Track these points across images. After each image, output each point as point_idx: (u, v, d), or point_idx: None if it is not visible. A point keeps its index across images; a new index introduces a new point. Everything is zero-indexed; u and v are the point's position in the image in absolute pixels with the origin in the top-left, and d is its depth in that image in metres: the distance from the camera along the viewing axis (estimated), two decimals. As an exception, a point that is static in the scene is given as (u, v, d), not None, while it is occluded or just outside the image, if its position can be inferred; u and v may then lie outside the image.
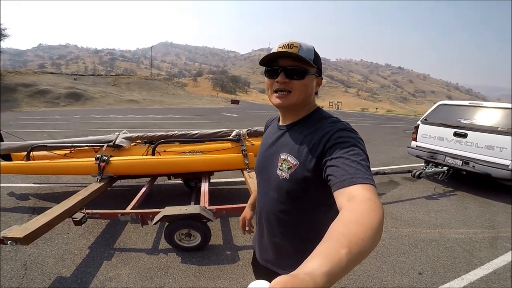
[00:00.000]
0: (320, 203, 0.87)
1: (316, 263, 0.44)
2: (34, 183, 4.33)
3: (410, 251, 2.84)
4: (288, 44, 0.82)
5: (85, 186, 4.25)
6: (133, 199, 2.95)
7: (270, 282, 0.39)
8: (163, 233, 2.68)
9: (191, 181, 4.03)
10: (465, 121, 4.74)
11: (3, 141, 3.93)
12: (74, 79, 36.01)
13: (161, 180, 4.23)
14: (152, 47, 77.92)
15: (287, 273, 0.40)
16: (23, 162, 3.41)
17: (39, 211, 3.33)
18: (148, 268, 2.34)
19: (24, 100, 24.83)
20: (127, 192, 4.01)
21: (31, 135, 5.00)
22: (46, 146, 3.54)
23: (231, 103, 45.33)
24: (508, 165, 4.03)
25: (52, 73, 41.71)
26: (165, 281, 2.19)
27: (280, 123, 0.98)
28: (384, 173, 4.66)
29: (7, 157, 3.74)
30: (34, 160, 3.48)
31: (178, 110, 24.71)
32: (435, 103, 5.70)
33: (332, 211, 0.85)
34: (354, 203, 0.60)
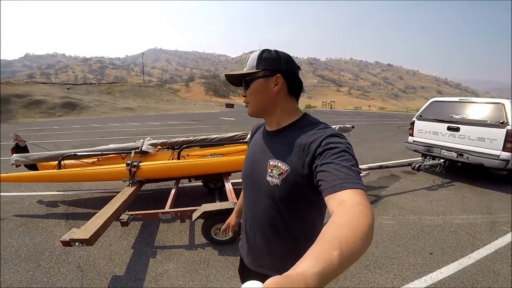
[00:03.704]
0: (312, 207, 0.89)
1: (308, 264, 0.45)
2: (57, 191, 4.54)
3: (419, 235, 3.17)
4: (243, 64, 0.95)
5: (108, 191, 4.53)
6: (166, 200, 3.21)
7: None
8: (200, 229, 2.95)
9: (210, 182, 4.32)
10: (457, 116, 5.14)
11: (29, 152, 4.16)
12: (68, 88, 35.82)
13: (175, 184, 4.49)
14: (143, 53, 77.79)
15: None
16: (56, 170, 3.63)
17: (73, 216, 3.58)
18: (191, 262, 2.60)
19: (19, 111, 24.69)
20: (143, 197, 4.28)
21: (36, 146, 5.12)
22: (77, 155, 3.78)
23: (226, 107, 45.37)
24: (499, 155, 4.42)
25: (44, 83, 41.36)
26: (209, 272, 2.45)
27: (267, 129, 0.99)
28: (387, 167, 5.03)
29: (33, 167, 3.96)
30: (65, 168, 3.71)
31: (174, 116, 24.88)
32: (426, 99, 6.10)
33: (323, 214, 0.92)
34: (345, 207, 0.61)
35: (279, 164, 0.86)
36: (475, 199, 4.31)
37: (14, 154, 3.91)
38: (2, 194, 4.35)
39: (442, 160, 5.16)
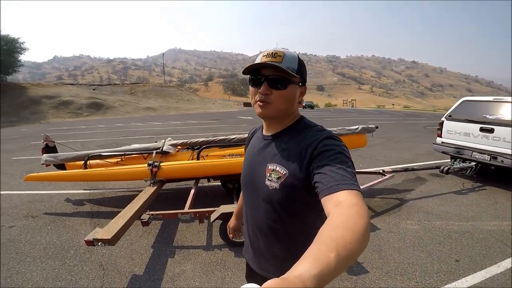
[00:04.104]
0: (311, 209, 0.88)
1: (306, 266, 0.45)
2: (84, 190, 4.71)
3: (445, 241, 3.01)
4: (272, 53, 0.83)
5: (131, 190, 4.63)
6: (186, 200, 3.23)
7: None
8: (218, 230, 2.95)
9: (229, 182, 4.32)
10: (490, 117, 4.82)
11: (58, 152, 4.34)
12: (93, 89, 37.40)
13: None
14: (163, 54, 79.80)
15: None
16: (82, 170, 3.76)
17: (97, 215, 3.69)
18: (208, 263, 2.60)
19: (50, 112, 26.09)
20: (164, 195, 4.36)
21: (64, 146, 5.43)
22: (101, 155, 3.90)
23: (244, 106, 45.68)
24: (538, 159, 4.10)
25: (71, 84, 43.44)
26: (225, 274, 2.44)
27: (265, 133, 0.98)
28: (413, 169, 4.81)
29: (62, 167, 4.12)
30: (90, 168, 3.84)
31: (194, 116, 25.29)
32: (455, 98, 5.80)
33: (322, 216, 0.95)
34: (341, 208, 0.62)
35: (278, 168, 0.86)
36: (508, 205, 4.01)
37: (44, 154, 4.09)
38: (33, 192, 4.58)
39: (474, 163, 4.86)
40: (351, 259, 0.51)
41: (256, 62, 0.86)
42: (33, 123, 21.19)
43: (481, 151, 4.79)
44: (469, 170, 4.85)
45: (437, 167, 4.79)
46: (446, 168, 4.62)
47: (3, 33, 31.68)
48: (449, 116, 5.50)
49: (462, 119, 5.23)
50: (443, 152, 5.57)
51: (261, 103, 0.86)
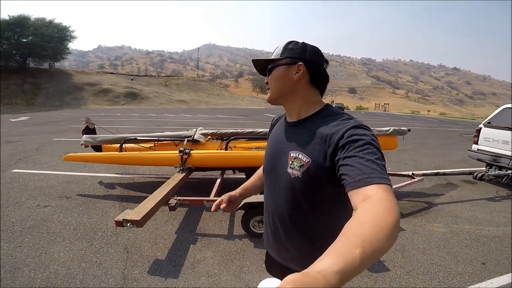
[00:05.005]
0: (334, 200, 0.86)
1: (328, 261, 0.44)
2: (116, 174, 4.98)
3: (472, 244, 2.91)
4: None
5: (160, 176, 4.84)
6: (210, 190, 3.33)
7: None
8: (240, 220, 3.01)
9: (253, 175, 4.39)
10: None
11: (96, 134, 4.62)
12: (131, 79, 39.22)
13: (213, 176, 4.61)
14: (198, 48, 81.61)
15: None
16: (118, 153, 3.98)
17: (126, 199, 3.85)
18: (227, 252, 2.65)
19: (90, 99, 27.79)
20: (190, 184, 4.48)
21: (104, 129, 5.81)
22: (136, 139, 4.10)
23: (272, 104, 45.64)
24: None
25: (112, 73, 45.84)
26: (243, 263, 2.49)
27: (288, 120, 0.97)
28: (444, 174, 4.64)
29: (99, 149, 4.37)
30: (126, 151, 4.04)
31: (223, 111, 25.75)
32: (497, 106, 5.54)
33: (347, 208, 0.81)
34: (369, 203, 0.59)
35: (300, 156, 0.84)
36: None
37: (84, 135, 4.34)
38: (69, 173, 4.91)
39: (511, 171, 4.62)
40: (377, 256, 0.49)
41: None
42: (74, 108, 22.72)
43: None
44: (505, 178, 4.63)
45: (470, 173, 4.60)
46: (480, 175, 4.42)
47: (56, 21, 33.59)
48: (488, 123, 5.28)
49: (501, 126, 4.99)
50: (478, 160, 5.35)
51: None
